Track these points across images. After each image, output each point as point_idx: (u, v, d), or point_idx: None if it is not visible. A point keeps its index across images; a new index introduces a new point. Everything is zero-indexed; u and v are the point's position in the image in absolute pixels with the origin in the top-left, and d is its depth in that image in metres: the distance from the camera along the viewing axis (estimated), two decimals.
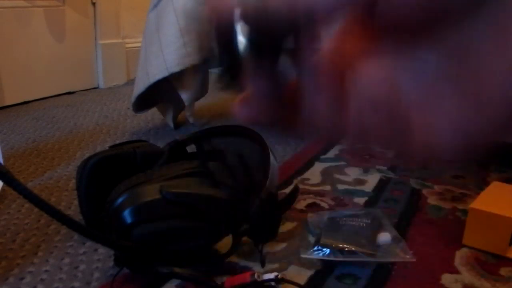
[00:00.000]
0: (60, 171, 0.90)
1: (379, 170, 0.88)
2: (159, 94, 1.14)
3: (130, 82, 1.87)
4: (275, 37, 0.19)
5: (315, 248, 0.57)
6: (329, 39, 0.18)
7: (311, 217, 0.67)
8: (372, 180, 0.83)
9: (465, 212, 0.70)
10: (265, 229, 0.56)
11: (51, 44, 1.61)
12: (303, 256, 0.57)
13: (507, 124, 0.16)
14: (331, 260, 0.56)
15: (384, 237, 0.59)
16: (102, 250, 0.60)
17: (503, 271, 0.55)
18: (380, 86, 0.18)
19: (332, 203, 0.74)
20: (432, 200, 0.75)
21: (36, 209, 0.73)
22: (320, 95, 0.19)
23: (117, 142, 0.93)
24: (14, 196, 0.77)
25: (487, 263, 0.57)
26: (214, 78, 1.27)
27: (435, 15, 0.17)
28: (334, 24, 0.18)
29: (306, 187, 0.80)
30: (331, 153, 0.98)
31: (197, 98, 1.25)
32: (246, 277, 0.50)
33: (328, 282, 0.53)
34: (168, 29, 1.02)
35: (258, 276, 0.49)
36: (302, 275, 0.54)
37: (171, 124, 1.20)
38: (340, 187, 0.80)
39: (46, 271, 0.56)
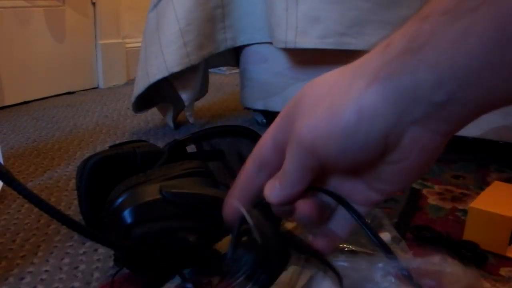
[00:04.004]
0: (60, 171, 0.90)
1: None
2: (159, 94, 1.14)
3: (130, 82, 1.87)
4: None
5: None
6: None
7: None
8: None
9: (465, 212, 0.70)
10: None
11: (51, 44, 1.62)
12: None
13: None
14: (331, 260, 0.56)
15: (384, 237, 0.59)
16: (102, 250, 0.60)
17: (503, 271, 0.55)
18: None
19: None
20: (432, 200, 0.75)
21: (36, 209, 0.72)
22: None
23: (117, 142, 0.93)
24: (14, 196, 0.77)
25: (487, 263, 0.57)
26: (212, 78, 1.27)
27: None
28: None
29: None
30: None
31: (197, 98, 1.25)
32: None
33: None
34: (168, 29, 1.02)
35: None
36: (302, 275, 0.54)
37: (171, 124, 1.20)
38: None
39: (46, 271, 0.56)
